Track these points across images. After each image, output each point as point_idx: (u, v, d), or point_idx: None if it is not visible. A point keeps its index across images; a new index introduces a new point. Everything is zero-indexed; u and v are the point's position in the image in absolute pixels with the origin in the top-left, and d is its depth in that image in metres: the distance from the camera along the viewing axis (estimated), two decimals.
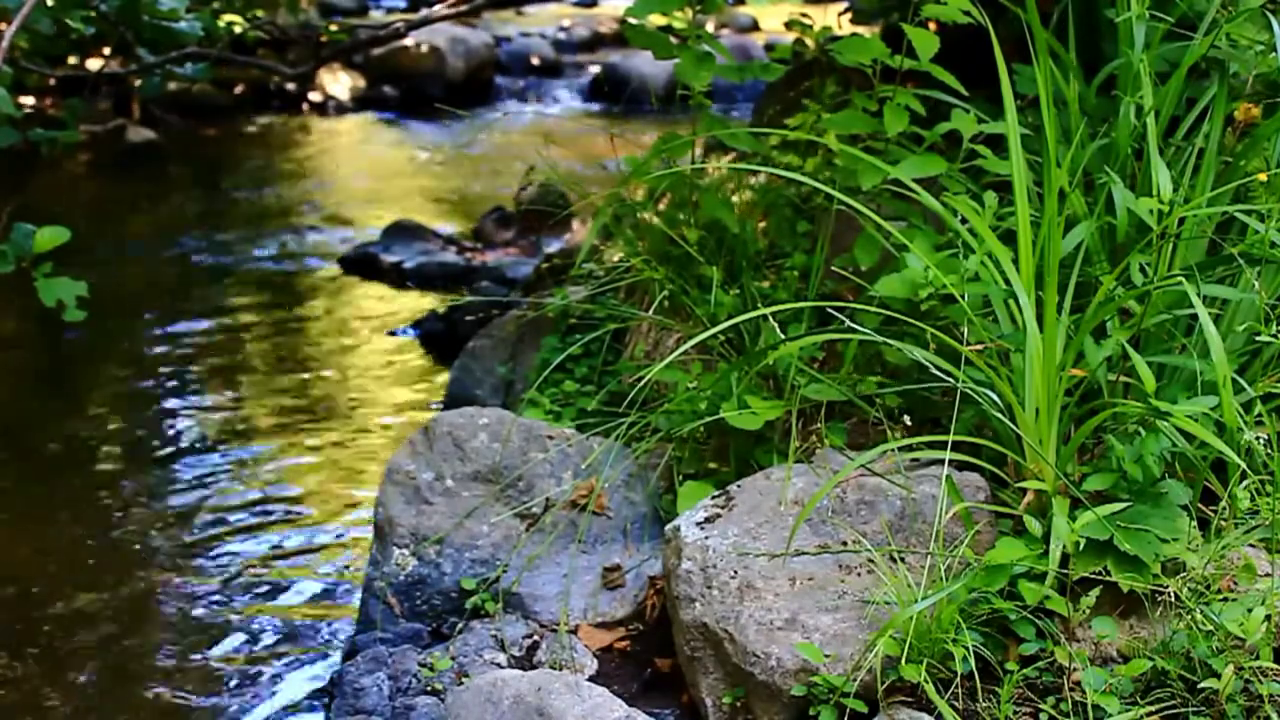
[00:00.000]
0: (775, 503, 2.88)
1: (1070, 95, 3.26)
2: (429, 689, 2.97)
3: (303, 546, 4.06)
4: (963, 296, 2.89)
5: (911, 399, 3.12)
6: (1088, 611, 2.50)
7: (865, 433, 3.21)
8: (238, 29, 8.56)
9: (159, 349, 5.67)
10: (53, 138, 5.31)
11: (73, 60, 8.24)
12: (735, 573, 2.71)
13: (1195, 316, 2.65)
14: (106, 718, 3.24)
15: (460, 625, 3.14)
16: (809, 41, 4.36)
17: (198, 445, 4.75)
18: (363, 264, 6.73)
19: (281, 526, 4.18)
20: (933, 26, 3.43)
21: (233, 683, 3.36)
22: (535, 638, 3.06)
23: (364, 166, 9.07)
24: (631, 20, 3.83)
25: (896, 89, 3.41)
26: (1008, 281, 2.83)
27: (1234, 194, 3.02)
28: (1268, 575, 2.51)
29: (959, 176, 3.37)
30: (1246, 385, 2.70)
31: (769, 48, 4.89)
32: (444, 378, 5.02)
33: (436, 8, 7.29)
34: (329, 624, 3.63)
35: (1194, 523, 2.57)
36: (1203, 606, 2.44)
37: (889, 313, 2.94)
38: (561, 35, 12.47)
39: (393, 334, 5.86)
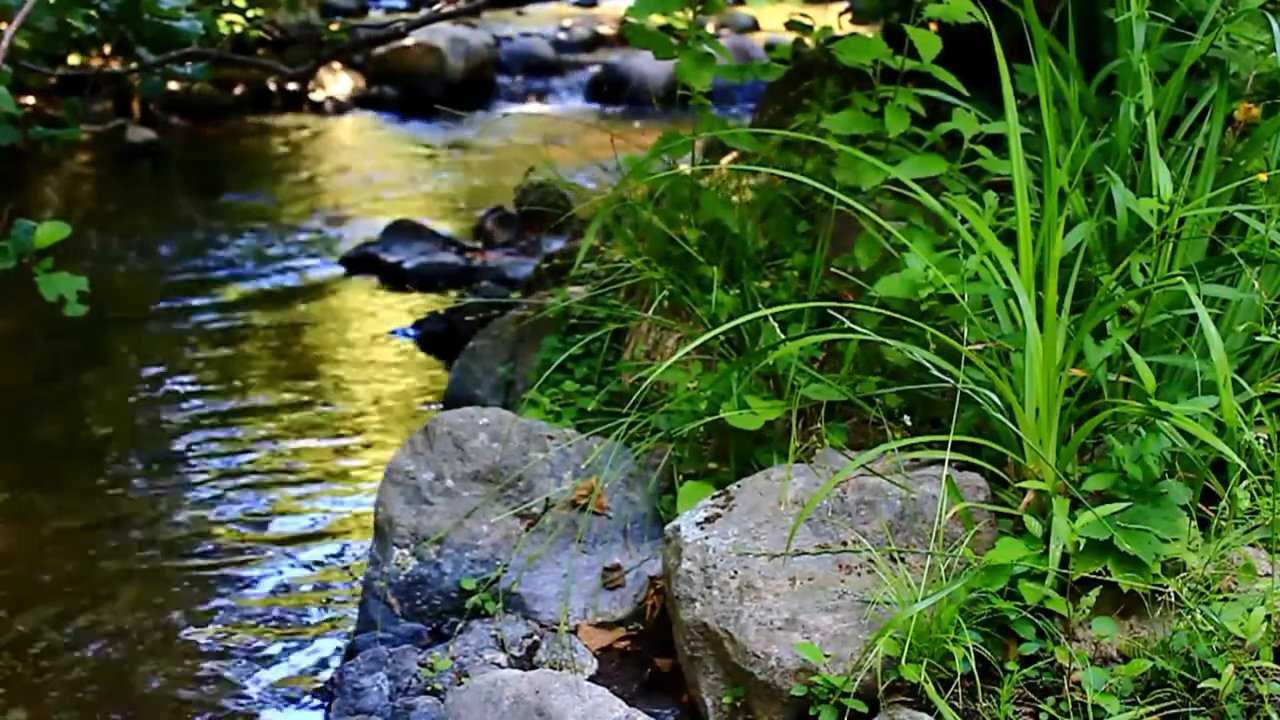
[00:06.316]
0: (775, 503, 2.88)
1: (1070, 95, 3.26)
2: (429, 689, 2.97)
3: (302, 546, 4.05)
4: (963, 296, 2.89)
5: (911, 399, 3.12)
6: (1088, 611, 2.50)
7: (865, 433, 3.21)
8: (238, 29, 8.57)
9: (158, 348, 5.67)
10: (53, 136, 5.30)
11: (73, 60, 8.24)
12: (735, 573, 2.71)
13: (1195, 316, 2.65)
14: (106, 717, 3.24)
15: (460, 625, 3.14)
16: (809, 41, 4.36)
17: (197, 444, 4.74)
18: (363, 264, 6.72)
19: (281, 526, 4.18)
20: (933, 27, 3.43)
21: (232, 682, 3.36)
22: (535, 638, 3.06)
23: (364, 166, 9.06)
24: (632, 20, 3.83)
25: (897, 89, 3.41)
26: (1008, 281, 2.83)
27: (1234, 194, 3.02)
28: (1268, 575, 2.51)
29: (959, 176, 3.37)
30: (1246, 385, 2.70)
31: (769, 48, 4.88)
32: (444, 378, 5.02)
33: (436, 7, 7.28)
34: (329, 624, 3.63)
35: (1194, 523, 2.57)
36: (1203, 606, 2.44)
37: (889, 313, 2.94)
38: (561, 35, 12.45)
39: (393, 334, 5.86)
